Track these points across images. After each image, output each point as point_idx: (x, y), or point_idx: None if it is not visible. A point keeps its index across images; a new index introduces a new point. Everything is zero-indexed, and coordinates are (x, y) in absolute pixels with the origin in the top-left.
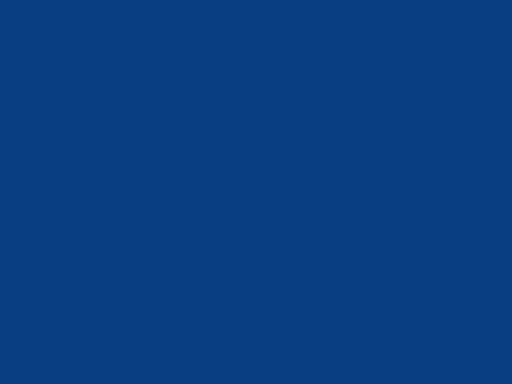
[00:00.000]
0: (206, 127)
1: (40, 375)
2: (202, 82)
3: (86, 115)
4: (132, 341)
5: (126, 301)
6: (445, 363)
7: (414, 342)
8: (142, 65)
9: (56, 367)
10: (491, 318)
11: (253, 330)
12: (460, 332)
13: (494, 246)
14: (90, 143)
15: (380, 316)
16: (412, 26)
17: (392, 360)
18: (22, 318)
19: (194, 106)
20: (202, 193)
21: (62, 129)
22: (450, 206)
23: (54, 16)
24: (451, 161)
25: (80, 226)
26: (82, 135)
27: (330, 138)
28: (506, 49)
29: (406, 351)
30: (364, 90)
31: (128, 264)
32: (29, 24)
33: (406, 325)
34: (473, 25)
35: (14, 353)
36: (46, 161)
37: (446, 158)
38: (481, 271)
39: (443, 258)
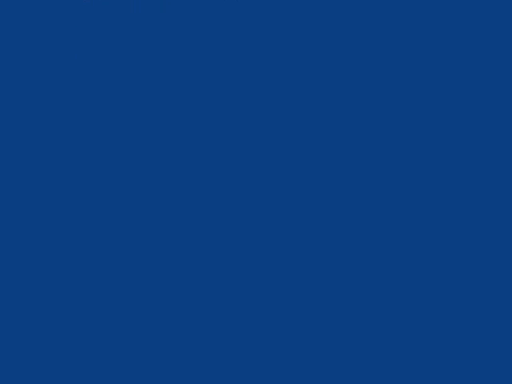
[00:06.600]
0: (205, 127)
1: (40, 375)
2: (201, 82)
3: (85, 115)
4: (132, 341)
5: (125, 301)
6: (445, 363)
7: (414, 342)
8: (142, 65)
9: (56, 367)
10: (491, 318)
11: (253, 330)
12: (460, 332)
13: (494, 246)
14: (90, 143)
15: (380, 316)
16: (412, 26)
17: (392, 360)
18: (21, 318)
19: (193, 106)
20: (202, 193)
21: (61, 129)
22: (450, 206)
23: (53, 15)
24: (451, 161)
25: (80, 226)
26: (82, 135)
27: (329, 138)
28: (506, 49)
29: (406, 351)
30: (364, 89)
31: (128, 264)
32: (28, 23)
33: (406, 325)
34: (473, 25)
35: (14, 353)
36: (45, 160)
37: (446, 158)
38: (481, 271)
39: (443, 259)
